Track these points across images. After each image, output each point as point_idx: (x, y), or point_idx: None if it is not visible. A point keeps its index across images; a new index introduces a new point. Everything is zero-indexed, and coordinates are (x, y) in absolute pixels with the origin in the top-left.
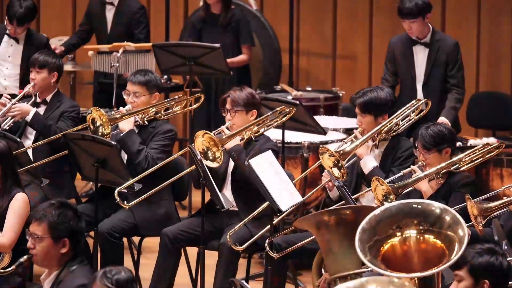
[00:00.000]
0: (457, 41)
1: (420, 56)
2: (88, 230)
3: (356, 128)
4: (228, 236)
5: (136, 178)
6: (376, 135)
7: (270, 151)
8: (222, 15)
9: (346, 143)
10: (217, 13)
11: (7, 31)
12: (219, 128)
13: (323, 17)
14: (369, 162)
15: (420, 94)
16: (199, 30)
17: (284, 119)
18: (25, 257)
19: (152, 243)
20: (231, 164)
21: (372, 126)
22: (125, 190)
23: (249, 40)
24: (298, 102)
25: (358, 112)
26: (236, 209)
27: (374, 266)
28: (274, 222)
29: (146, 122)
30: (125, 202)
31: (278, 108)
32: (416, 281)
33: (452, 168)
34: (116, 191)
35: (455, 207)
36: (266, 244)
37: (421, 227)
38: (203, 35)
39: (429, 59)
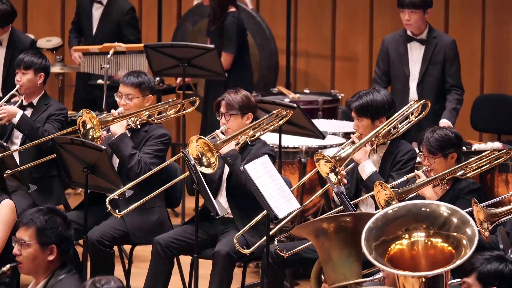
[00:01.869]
0: (454, 39)
1: (416, 53)
2: (78, 238)
3: (354, 133)
4: (235, 239)
5: (128, 186)
6: (374, 139)
7: (266, 156)
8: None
9: (343, 149)
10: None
11: None
12: (213, 133)
13: (322, 16)
14: (368, 167)
15: (413, 93)
16: None
17: (280, 122)
18: (7, 266)
19: (143, 251)
20: (226, 169)
21: (369, 130)
22: (116, 197)
23: (230, 48)
24: (295, 105)
25: (354, 116)
26: (231, 216)
27: (379, 264)
28: (271, 232)
29: (139, 126)
30: (117, 210)
31: (274, 111)
32: (423, 280)
33: (457, 174)
34: (107, 200)
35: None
36: (275, 242)
37: (429, 231)
38: None
39: (425, 57)
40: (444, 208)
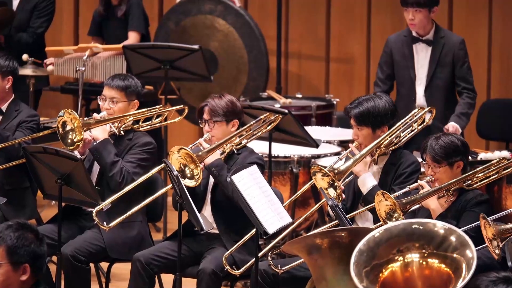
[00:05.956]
0: (463, 38)
1: (422, 55)
2: (51, 254)
3: (352, 142)
4: (224, 259)
5: (114, 197)
6: (375, 150)
7: (255, 165)
8: (119, 7)
9: (341, 160)
10: (115, 5)
11: None
12: (196, 142)
13: (315, 15)
14: (368, 180)
15: (420, 97)
16: (99, 23)
17: (268, 128)
18: None
19: (122, 269)
20: (211, 181)
21: (370, 139)
22: (92, 209)
23: (137, 26)
24: (286, 110)
25: (353, 124)
26: (217, 231)
27: None
28: (264, 251)
29: (122, 132)
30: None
31: (262, 116)
32: None
33: (463, 185)
34: (94, 211)
35: (466, 227)
36: (269, 258)
37: (424, 251)
38: (103, 29)
39: (433, 58)
40: (439, 227)
